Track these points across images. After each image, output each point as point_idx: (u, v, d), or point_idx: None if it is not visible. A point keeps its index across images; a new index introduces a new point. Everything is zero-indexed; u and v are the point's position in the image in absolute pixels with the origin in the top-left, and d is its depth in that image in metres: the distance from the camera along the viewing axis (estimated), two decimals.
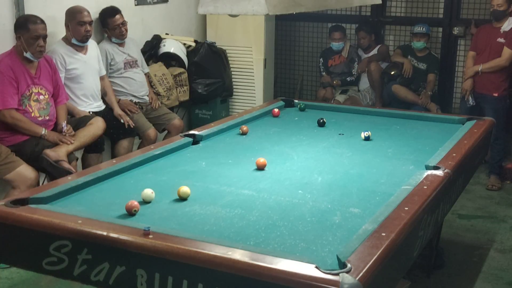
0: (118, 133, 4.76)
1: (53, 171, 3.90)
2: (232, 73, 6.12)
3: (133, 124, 4.77)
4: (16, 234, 2.28)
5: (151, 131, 4.92)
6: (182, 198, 2.59)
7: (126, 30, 4.92)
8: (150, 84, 5.26)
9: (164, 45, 5.53)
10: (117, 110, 4.77)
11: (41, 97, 4.07)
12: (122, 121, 4.72)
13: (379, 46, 6.32)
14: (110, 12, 4.85)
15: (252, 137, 3.68)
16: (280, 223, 2.38)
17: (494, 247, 4.19)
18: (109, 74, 4.90)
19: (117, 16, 4.85)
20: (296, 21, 6.92)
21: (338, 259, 1.97)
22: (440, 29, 6.39)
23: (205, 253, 1.98)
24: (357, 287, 1.81)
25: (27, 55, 3.94)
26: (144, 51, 5.33)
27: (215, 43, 5.98)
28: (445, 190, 2.85)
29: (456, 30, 6.23)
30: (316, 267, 1.88)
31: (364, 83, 6.31)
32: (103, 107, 4.72)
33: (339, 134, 3.77)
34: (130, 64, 5.02)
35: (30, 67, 4.01)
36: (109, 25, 4.85)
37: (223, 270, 1.93)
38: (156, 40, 5.53)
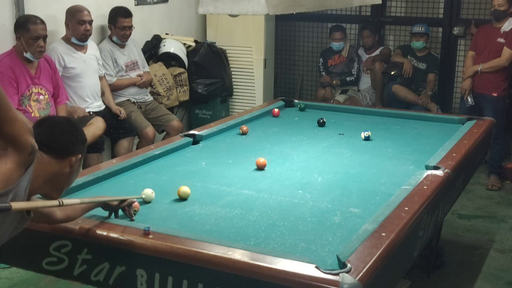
0: (118, 133, 4.76)
1: None
2: (232, 73, 6.12)
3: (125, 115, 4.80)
4: (17, 234, 2.28)
5: (149, 130, 4.91)
6: (182, 198, 2.59)
7: (130, 34, 4.93)
8: (150, 84, 5.26)
9: (164, 45, 5.53)
10: (115, 106, 4.79)
11: (41, 97, 4.07)
12: (121, 114, 4.72)
13: (382, 47, 6.33)
14: (123, 12, 4.87)
15: (252, 137, 3.68)
16: (280, 223, 2.38)
17: (494, 247, 4.19)
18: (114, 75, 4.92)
19: (128, 19, 4.88)
20: (296, 21, 6.92)
21: (338, 259, 1.97)
22: (440, 29, 6.39)
23: (205, 253, 1.99)
24: (357, 287, 1.81)
25: (27, 55, 3.94)
26: (144, 51, 5.33)
27: (215, 43, 5.98)
28: (445, 190, 2.85)
29: (456, 30, 6.23)
30: (316, 267, 1.88)
31: (364, 83, 6.31)
32: (103, 107, 4.72)
33: (339, 134, 3.77)
34: (131, 66, 5.03)
35: (30, 67, 4.01)
36: (118, 23, 4.85)
37: (223, 270, 1.94)
38: (156, 40, 5.53)
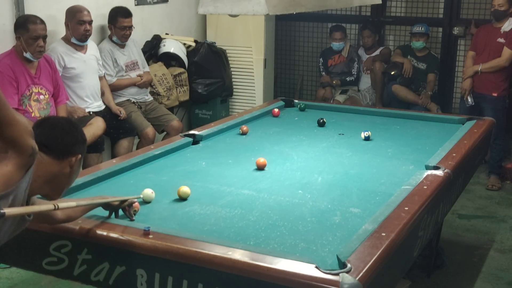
0: (118, 132, 4.76)
1: None
2: (232, 73, 6.12)
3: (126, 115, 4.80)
4: (17, 234, 2.28)
5: (149, 130, 4.92)
6: (182, 198, 2.59)
7: (130, 35, 4.93)
8: (150, 84, 5.26)
9: (164, 45, 5.54)
10: (115, 106, 4.79)
11: (41, 97, 4.07)
12: (121, 114, 4.73)
13: (382, 48, 6.33)
14: (123, 12, 4.87)
15: (252, 137, 3.68)
16: (280, 223, 2.38)
17: (494, 247, 4.19)
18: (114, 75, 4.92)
19: (128, 19, 4.88)
20: (296, 21, 6.92)
21: (338, 259, 1.97)
22: (440, 29, 6.39)
23: (205, 253, 1.99)
24: (357, 287, 1.81)
25: (27, 55, 3.94)
26: (144, 51, 5.33)
27: (215, 43, 5.98)
28: (445, 190, 2.85)
29: (456, 30, 6.23)
30: (316, 267, 1.88)
31: (364, 83, 6.31)
32: (103, 107, 4.72)
33: (339, 134, 3.77)
34: (131, 66, 5.03)
35: (30, 67, 4.01)
36: (117, 23, 4.85)
37: (223, 270, 1.94)
38: (156, 40, 5.53)
